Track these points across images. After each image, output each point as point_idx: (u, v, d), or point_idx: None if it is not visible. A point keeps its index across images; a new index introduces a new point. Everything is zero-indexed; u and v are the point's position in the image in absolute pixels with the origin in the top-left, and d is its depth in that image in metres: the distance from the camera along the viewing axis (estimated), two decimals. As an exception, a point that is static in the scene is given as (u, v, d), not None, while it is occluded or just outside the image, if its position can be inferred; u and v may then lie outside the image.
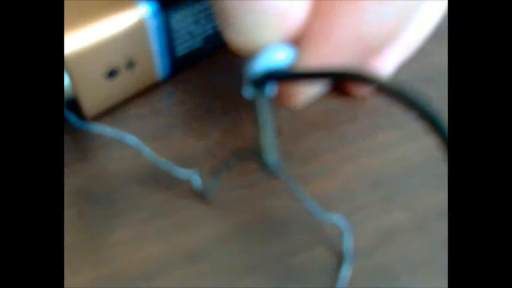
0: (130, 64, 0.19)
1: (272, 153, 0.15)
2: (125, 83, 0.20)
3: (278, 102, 0.17)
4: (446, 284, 0.17)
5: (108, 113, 0.20)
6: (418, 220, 0.19)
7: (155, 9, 0.19)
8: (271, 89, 0.15)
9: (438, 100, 0.22)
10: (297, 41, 0.15)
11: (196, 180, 0.18)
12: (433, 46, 0.24)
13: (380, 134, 0.21)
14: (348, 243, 0.17)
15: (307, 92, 0.17)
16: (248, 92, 0.15)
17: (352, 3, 0.14)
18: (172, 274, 0.17)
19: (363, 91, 0.22)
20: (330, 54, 0.15)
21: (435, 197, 0.19)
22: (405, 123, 0.21)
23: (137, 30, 0.18)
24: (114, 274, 0.17)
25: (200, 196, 0.19)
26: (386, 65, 0.20)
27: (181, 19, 0.20)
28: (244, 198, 0.19)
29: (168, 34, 0.20)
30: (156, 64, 0.20)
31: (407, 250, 0.18)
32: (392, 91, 0.12)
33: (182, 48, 0.21)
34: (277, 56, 0.15)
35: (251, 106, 0.16)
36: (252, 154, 0.16)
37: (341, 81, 0.22)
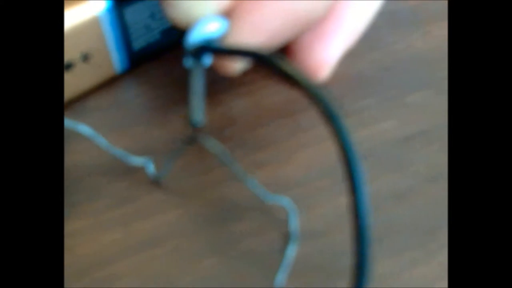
0: (86, 58, 0.20)
1: (198, 114, 0.17)
2: (82, 76, 0.20)
3: (216, 70, 0.18)
4: (396, 260, 0.17)
5: (68, 106, 0.21)
6: (370, 203, 0.19)
7: (109, 4, 0.19)
8: (207, 60, 0.17)
9: (397, 87, 0.23)
10: (230, 13, 0.16)
11: (150, 167, 0.19)
12: (394, 36, 0.25)
13: (336, 121, 0.21)
14: (294, 224, 0.18)
15: (242, 64, 0.18)
16: (187, 62, 0.17)
17: None
18: (131, 259, 0.18)
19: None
20: (260, 25, 0.16)
21: (387, 180, 0.20)
22: (358, 111, 0.22)
23: (91, 25, 0.19)
24: (72, 262, 0.18)
25: (157, 183, 0.19)
26: (331, 51, 0.20)
27: (136, 13, 0.20)
28: (200, 184, 0.19)
29: (123, 28, 0.20)
30: (113, 57, 0.21)
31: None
32: (298, 82, 0.13)
33: (139, 42, 0.21)
34: (210, 27, 0.16)
35: (188, 74, 0.17)
36: (199, 138, 0.17)
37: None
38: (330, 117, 0.13)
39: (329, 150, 0.20)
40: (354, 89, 0.23)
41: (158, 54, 0.22)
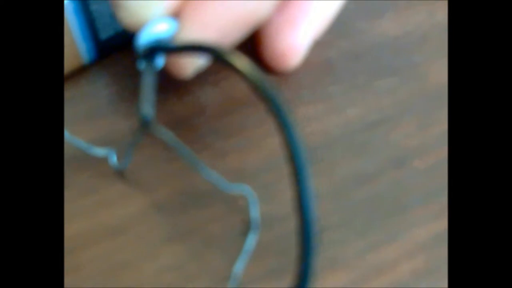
0: (51, 48, 0.20)
1: (149, 110, 0.17)
2: (48, 67, 0.20)
3: (169, 72, 0.18)
4: (361, 242, 0.18)
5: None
6: (336, 187, 0.19)
7: (72, -7, 0.19)
8: (160, 61, 0.17)
9: (365, 74, 0.23)
10: (178, 13, 0.16)
11: (113, 158, 0.19)
12: (363, 24, 0.25)
13: (303, 108, 0.21)
14: (254, 211, 0.18)
15: (194, 64, 0.18)
16: (140, 64, 0.17)
17: None
18: (94, 248, 0.18)
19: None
20: (208, 24, 0.16)
21: (353, 166, 0.20)
22: (325, 98, 0.22)
23: (55, 14, 0.19)
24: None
25: (120, 173, 0.19)
26: (300, 36, 0.20)
27: (101, 1, 0.20)
28: (163, 174, 0.19)
29: (88, 18, 0.20)
30: (80, 47, 0.21)
31: (325, 213, 0.18)
32: (241, 73, 0.14)
33: (105, 31, 0.21)
34: (159, 28, 0.16)
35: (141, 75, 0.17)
36: (153, 127, 0.17)
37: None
38: (277, 113, 0.13)
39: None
40: (322, 77, 0.23)
41: (127, 44, 0.22)
